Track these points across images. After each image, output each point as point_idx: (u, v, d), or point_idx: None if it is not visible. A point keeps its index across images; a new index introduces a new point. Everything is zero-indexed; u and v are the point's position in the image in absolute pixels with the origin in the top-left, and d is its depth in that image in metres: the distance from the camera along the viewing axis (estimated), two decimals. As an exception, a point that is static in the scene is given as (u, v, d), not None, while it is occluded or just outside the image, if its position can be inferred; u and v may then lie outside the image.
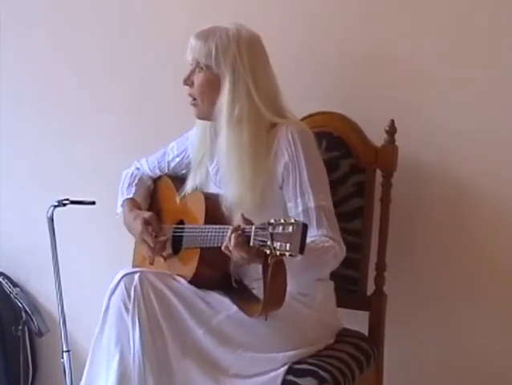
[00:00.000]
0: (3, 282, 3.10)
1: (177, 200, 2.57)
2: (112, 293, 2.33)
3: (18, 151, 3.46)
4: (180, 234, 2.50)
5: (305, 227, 1.99)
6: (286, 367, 2.32)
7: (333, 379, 2.33)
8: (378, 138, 2.65)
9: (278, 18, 2.89)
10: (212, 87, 2.40)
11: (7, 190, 3.50)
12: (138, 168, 2.75)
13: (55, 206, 2.59)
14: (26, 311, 2.82)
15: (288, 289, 2.18)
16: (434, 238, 2.75)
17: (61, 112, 3.35)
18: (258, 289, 2.32)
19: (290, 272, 2.14)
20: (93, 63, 3.26)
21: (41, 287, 3.41)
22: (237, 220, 2.21)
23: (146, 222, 2.53)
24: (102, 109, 3.27)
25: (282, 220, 2.01)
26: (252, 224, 2.12)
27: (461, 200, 2.70)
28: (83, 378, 2.40)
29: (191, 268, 2.40)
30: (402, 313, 2.77)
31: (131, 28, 3.19)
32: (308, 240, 2.13)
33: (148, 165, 2.74)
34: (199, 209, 2.45)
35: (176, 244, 2.52)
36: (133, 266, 2.67)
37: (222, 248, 2.18)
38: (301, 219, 2.24)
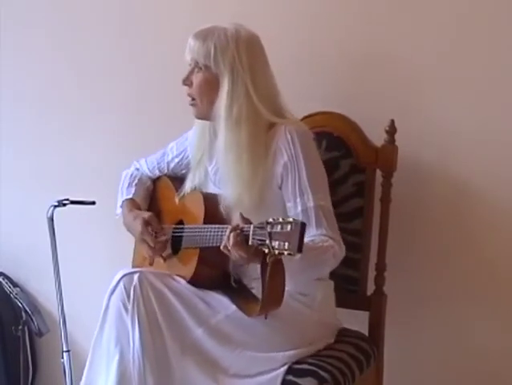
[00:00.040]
0: (3, 282, 3.10)
1: (176, 200, 2.58)
2: (112, 294, 2.33)
3: (18, 151, 3.46)
4: (179, 234, 2.50)
5: (303, 226, 1.99)
6: (286, 367, 2.32)
7: (333, 379, 2.33)
8: (378, 138, 2.65)
9: (278, 18, 2.89)
10: (211, 87, 2.40)
11: (7, 190, 3.50)
12: (137, 169, 2.75)
13: (55, 206, 2.59)
14: (26, 311, 2.82)
15: (287, 288, 2.18)
16: (434, 238, 2.75)
17: (61, 112, 3.35)
18: (257, 288, 2.32)
19: (289, 271, 2.14)
20: (93, 63, 3.26)
21: (41, 287, 3.41)
22: (235, 220, 2.22)
23: (146, 222, 2.53)
24: (102, 109, 3.27)
25: (281, 219, 2.01)
26: (250, 223, 2.12)
27: (461, 200, 2.70)
28: (83, 378, 2.40)
29: (190, 268, 2.40)
30: (402, 313, 2.77)
31: (131, 28, 3.19)
32: (307, 239, 2.14)
33: (147, 166, 2.74)
34: (198, 209, 2.45)
35: (176, 244, 2.52)
36: (133, 266, 2.67)
37: (221, 247, 2.19)
38: (300, 219, 2.23)
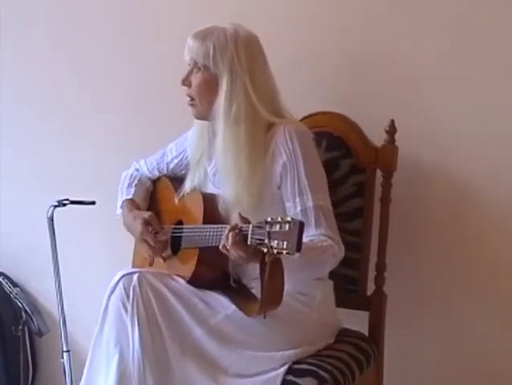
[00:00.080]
0: (3, 282, 3.10)
1: (176, 200, 2.57)
2: (111, 294, 2.33)
3: (18, 151, 3.46)
4: (179, 234, 2.50)
5: (302, 225, 1.99)
6: (286, 367, 2.32)
7: (333, 379, 2.33)
8: (378, 138, 2.65)
9: (278, 18, 2.89)
10: (210, 87, 2.40)
11: (7, 190, 3.50)
12: (137, 170, 2.75)
13: (55, 206, 2.58)
14: (26, 311, 2.82)
15: (287, 288, 2.18)
16: (434, 238, 2.75)
17: (61, 112, 3.35)
18: (256, 288, 2.32)
19: (288, 271, 2.14)
20: (93, 63, 3.26)
21: (41, 287, 3.41)
22: (234, 219, 2.22)
23: (146, 222, 2.53)
24: (102, 109, 3.27)
25: (279, 219, 2.01)
26: (249, 222, 2.12)
27: (461, 200, 2.70)
28: (83, 378, 2.41)
29: (190, 268, 2.40)
30: (402, 313, 2.77)
31: (131, 28, 3.19)
32: (306, 239, 2.14)
33: (146, 167, 2.74)
34: (197, 209, 2.45)
35: (175, 244, 2.52)
36: (133, 267, 2.67)
37: (220, 247, 2.19)
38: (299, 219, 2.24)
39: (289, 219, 2.00)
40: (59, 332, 2.62)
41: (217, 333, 2.31)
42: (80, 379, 2.42)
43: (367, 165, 2.66)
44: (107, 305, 2.34)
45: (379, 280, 2.67)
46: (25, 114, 3.44)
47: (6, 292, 3.06)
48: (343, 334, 2.57)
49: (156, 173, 2.73)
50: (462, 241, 2.71)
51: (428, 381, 2.80)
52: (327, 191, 2.42)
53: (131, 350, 2.29)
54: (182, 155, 2.67)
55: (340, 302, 2.56)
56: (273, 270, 2.10)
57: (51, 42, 3.34)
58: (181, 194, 2.56)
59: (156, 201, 2.71)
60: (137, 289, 2.30)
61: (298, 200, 2.36)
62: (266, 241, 2.02)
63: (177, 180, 2.65)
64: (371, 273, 2.69)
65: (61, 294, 2.61)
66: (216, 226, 2.30)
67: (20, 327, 3.01)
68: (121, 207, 2.67)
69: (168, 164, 2.70)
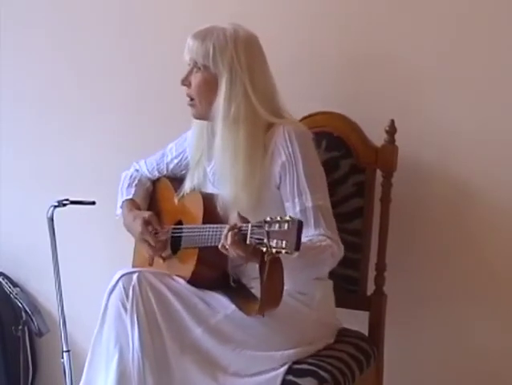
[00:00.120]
0: (3, 282, 3.09)
1: (176, 200, 2.57)
2: (111, 293, 2.33)
3: (18, 151, 3.46)
4: (178, 234, 2.50)
5: (300, 224, 1.99)
6: (285, 367, 2.32)
7: (333, 379, 2.33)
8: (378, 138, 2.65)
9: (277, 18, 2.89)
10: (209, 87, 2.40)
11: (7, 190, 3.50)
12: (137, 170, 2.75)
13: (55, 206, 2.58)
14: (26, 311, 2.81)
15: (286, 287, 2.18)
16: (434, 238, 2.75)
17: (61, 112, 3.35)
18: (256, 288, 2.32)
19: (288, 270, 2.14)
20: (93, 63, 3.26)
21: (41, 287, 3.41)
22: (233, 219, 2.21)
23: (146, 222, 2.53)
24: (102, 109, 3.27)
25: (278, 218, 2.01)
26: (248, 222, 2.12)
27: (461, 200, 2.70)
28: (83, 378, 2.41)
29: (189, 268, 2.40)
30: (402, 313, 2.77)
31: (131, 28, 3.19)
32: (305, 239, 2.14)
33: (146, 167, 2.73)
34: (197, 209, 2.45)
35: (175, 244, 2.52)
36: (133, 267, 2.67)
37: (219, 246, 2.18)
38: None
39: (288, 218, 2.00)
40: (59, 332, 2.62)
41: (217, 332, 2.31)
42: (80, 379, 2.42)
43: (367, 165, 2.66)
44: (106, 304, 2.33)
45: (379, 280, 2.67)
46: (25, 114, 3.44)
47: (6, 292, 3.05)
48: (343, 334, 2.57)
49: (156, 174, 2.73)
50: (462, 241, 2.71)
51: (428, 381, 2.80)
52: (327, 191, 2.42)
53: (130, 349, 2.29)
54: (182, 155, 2.67)
55: (340, 302, 2.56)
56: (272, 270, 2.10)
57: (51, 42, 3.34)
58: (181, 194, 2.56)
59: (155, 201, 2.71)
60: (137, 288, 2.30)
61: (297, 200, 2.35)
62: (265, 240, 2.02)
63: (177, 180, 2.65)
64: (371, 273, 2.69)
65: (61, 294, 2.61)
66: (215, 226, 2.30)
67: (20, 327, 3.00)
68: (121, 207, 2.67)
69: (167, 164, 2.70)
